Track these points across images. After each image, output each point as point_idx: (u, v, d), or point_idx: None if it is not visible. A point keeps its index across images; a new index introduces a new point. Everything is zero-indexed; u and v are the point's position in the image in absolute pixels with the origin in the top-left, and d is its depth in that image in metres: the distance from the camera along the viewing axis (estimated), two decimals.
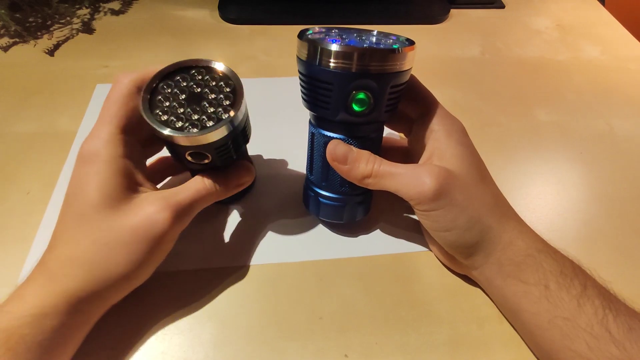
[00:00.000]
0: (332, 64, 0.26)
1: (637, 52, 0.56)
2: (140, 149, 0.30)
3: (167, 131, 0.27)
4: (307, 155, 0.33)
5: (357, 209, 0.33)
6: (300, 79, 0.29)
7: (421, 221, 0.31)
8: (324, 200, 0.33)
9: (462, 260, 0.30)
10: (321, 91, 0.27)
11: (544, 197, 0.39)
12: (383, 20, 0.59)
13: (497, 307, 0.31)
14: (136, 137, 0.29)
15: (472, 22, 0.60)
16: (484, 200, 0.29)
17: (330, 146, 0.29)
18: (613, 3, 0.65)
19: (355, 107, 0.26)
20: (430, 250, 0.34)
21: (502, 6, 0.63)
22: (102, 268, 0.26)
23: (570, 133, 0.45)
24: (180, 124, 0.27)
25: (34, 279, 0.26)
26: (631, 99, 0.49)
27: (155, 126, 0.27)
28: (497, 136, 0.45)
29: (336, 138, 0.30)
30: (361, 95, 0.26)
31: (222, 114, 0.28)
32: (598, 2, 0.65)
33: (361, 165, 0.29)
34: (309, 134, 0.32)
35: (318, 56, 0.26)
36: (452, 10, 0.61)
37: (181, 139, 0.27)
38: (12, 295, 0.25)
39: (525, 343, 0.30)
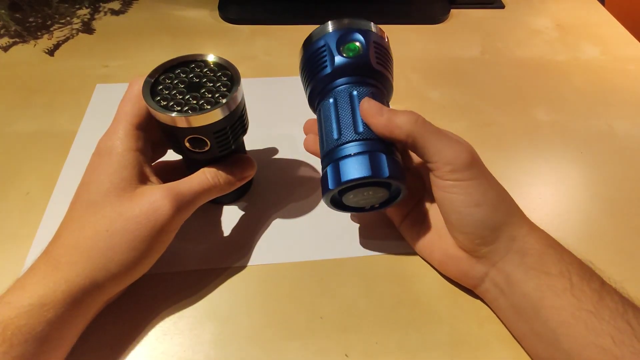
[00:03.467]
0: (326, 30, 0.32)
1: (637, 52, 0.56)
2: (150, 147, 0.31)
3: (166, 113, 0.27)
4: (321, 133, 0.31)
5: (382, 159, 0.28)
6: (302, 67, 0.33)
7: (448, 201, 0.28)
8: (344, 160, 0.28)
9: (485, 248, 0.28)
10: (319, 55, 0.31)
11: (544, 197, 0.39)
12: (383, 20, 0.59)
13: (504, 322, 0.30)
14: (148, 134, 0.30)
15: (472, 22, 0.60)
16: (503, 187, 0.29)
17: (364, 102, 0.29)
18: (613, 3, 0.65)
19: (350, 53, 0.31)
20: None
21: (502, 6, 0.63)
22: (103, 255, 0.26)
23: (570, 133, 0.45)
24: (179, 108, 0.28)
25: (37, 268, 0.26)
26: (631, 99, 0.49)
27: (155, 110, 0.28)
28: (497, 136, 0.45)
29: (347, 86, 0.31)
30: (352, 46, 0.31)
31: (220, 98, 0.29)
32: (598, 2, 0.65)
33: (402, 116, 0.28)
34: (320, 110, 0.32)
35: (312, 39, 0.33)
36: (452, 10, 0.61)
37: (180, 120, 0.28)
38: (13, 285, 0.26)
39: (533, 352, 0.28)
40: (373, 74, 0.31)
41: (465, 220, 0.28)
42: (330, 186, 0.28)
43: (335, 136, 0.29)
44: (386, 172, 0.27)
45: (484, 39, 0.57)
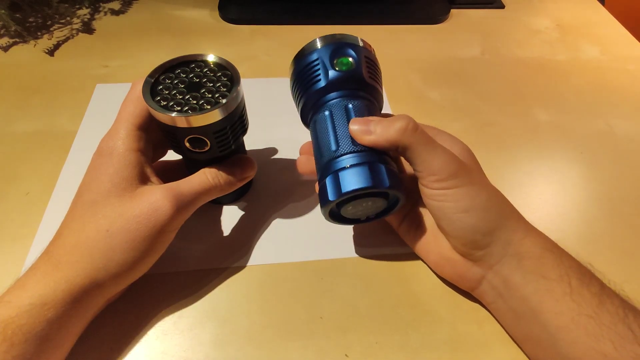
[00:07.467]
0: (317, 45, 0.32)
1: (636, 52, 0.56)
2: (152, 147, 0.31)
3: (166, 113, 0.27)
4: (317, 146, 0.31)
5: (382, 169, 0.28)
6: (294, 82, 0.33)
7: (436, 208, 0.28)
8: (343, 171, 0.28)
9: (479, 252, 0.28)
10: (312, 69, 0.31)
11: (544, 197, 0.39)
12: (383, 20, 0.59)
13: (503, 325, 0.30)
14: (149, 135, 0.30)
15: (472, 22, 0.60)
16: (496, 190, 0.29)
17: (351, 125, 0.29)
18: (613, 3, 0.65)
19: (343, 67, 0.31)
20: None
21: (502, 6, 0.63)
22: (103, 255, 0.26)
23: (570, 133, 0.45)
24: (179, 108, 0.28)
25: (37, 267, 0.26)
26: (631, 99, 0.49)
27: (155, 110, 0.28)
28: (497, 136, 0.45)
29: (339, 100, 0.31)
30: (344, 60, 0.31)
31: (220, 98, 0.29)
32: (598, 2, 0.65)
33: (390, 127, 0.28)
34: (315, 123, 0.32)
35: (304, 54, 0.32)
36: (452, 10, 0.61)
37: (180, 120, 0.28)
38: (14, 284, 0.26)
39: (533, 355, 0.28)
40: (365, 87, 0.31)
41: (455, 225, 0.28)
42: (330, 197, 0.28)
43: (333, 148, 0.29)
44: (387, 182, 0.27)
45: (484, 39, 0.57)
